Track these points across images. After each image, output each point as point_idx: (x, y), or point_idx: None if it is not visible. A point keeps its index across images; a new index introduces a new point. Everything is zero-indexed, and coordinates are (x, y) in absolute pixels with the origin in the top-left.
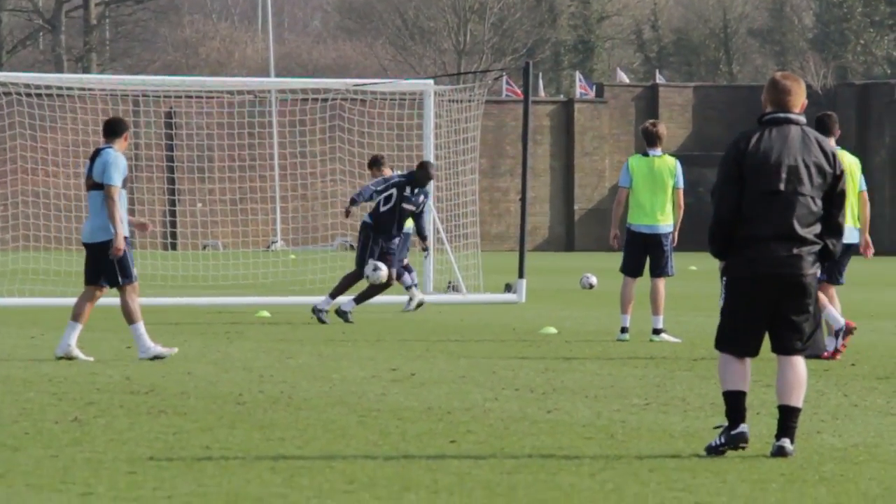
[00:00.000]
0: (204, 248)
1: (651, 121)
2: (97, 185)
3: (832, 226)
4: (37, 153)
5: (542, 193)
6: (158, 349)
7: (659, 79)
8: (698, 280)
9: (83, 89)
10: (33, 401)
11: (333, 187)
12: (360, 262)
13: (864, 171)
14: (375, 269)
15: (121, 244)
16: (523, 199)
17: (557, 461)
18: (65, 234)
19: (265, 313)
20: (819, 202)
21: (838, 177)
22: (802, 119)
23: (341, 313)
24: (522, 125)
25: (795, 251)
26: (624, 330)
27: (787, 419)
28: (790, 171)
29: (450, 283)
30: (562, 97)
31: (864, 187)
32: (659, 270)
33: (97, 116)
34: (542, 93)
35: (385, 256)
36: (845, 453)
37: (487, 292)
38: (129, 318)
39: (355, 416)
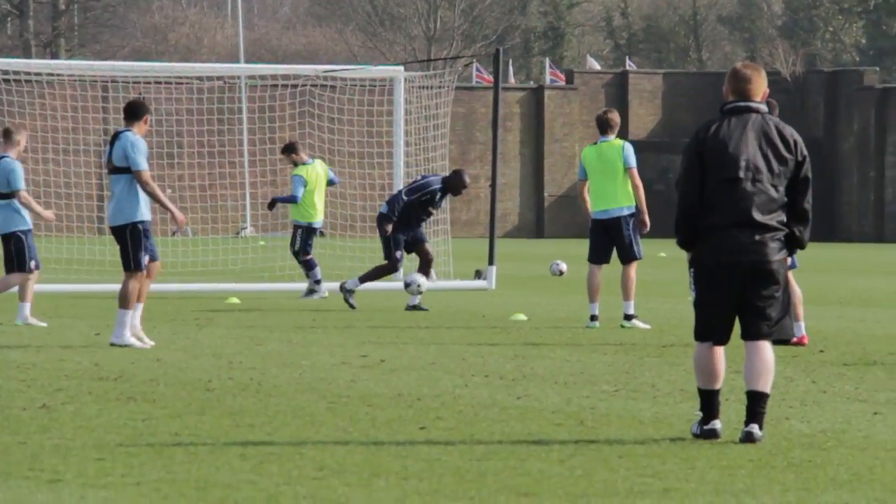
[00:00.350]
0: (173, 234)
1: (604, 108)
2: (117, 169)
3: (798, 212)
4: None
5: (511, 180)
6: (133, 341)
7: (629, 65)
8: (668, 266)
9: (52, 75)
10: (1, 388)
11: None
12: (389, 255)
13: (832, 157)
14: (418, 285)
15: (181, 217)
16: (493, 186)
17: (527, 447)
18: (35, 220)
19: (235, 300)
20: (781, 189)
21: (800, 163)
22: (763, 107)
23: (345, 289)
24: (492, 112)
25: (758, 238)
26: (593, 318)
27: (756, 405)
28: (748, 159)
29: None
30: (532, 84)
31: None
32: (624, 255)
33: (66, 102)
34: (512, 79)
35: (416, 245)
36: (813, 439)
37: (457, 279)
38: (121, 303)
39: (325, 403)
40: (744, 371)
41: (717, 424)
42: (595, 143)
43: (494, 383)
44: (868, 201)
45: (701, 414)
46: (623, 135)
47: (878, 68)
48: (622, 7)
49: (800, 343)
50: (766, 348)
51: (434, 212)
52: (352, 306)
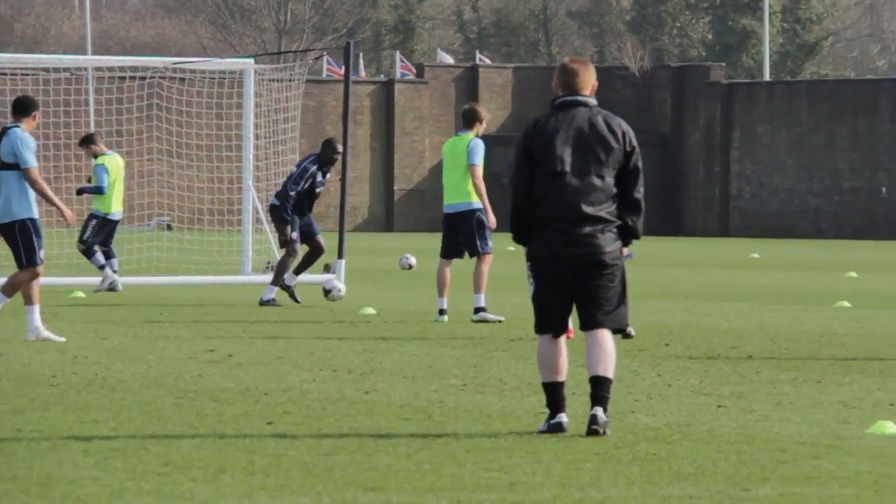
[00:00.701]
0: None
1: (471, 103)
2: (6, 165)
3: (628, 202)
4: None
5: (362, 173)
6: (47, 334)
7: (479, 59)
8: (517, 260)
9: None
10: None
11: (150, 166)
12: (284, 243)
13: (678, 152)
14: (339, 290)
15: (69, 214)
16: (343, 179)
17: (374, 442)
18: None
19: (80, 294)
20: (610, 181)
21: (629, 153)
22: (592, 101)
23: (286, 287)
24: (343, 105)
25: (588, 230)
26: (441, 312)
27: (598, 389)
28: (574, 153)
29: (268, 263)
30: (382, 77)
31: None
32: (471, 249)
33: None
34: (362, 73)
35: (307, 229)
36: (658, 433)
37: (307, 273)
38: (25, 300)
39: (171, 398)
40: (585, 361)
41: (563, 418)
42: (453, 136)
43: (342, 378)
44: (714, 196)
45: (548, 410)
46: None
47: (724, 64)
48: (473, 1)
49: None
50: (605, 335)
51: (320, 190)
52: (296, 300)
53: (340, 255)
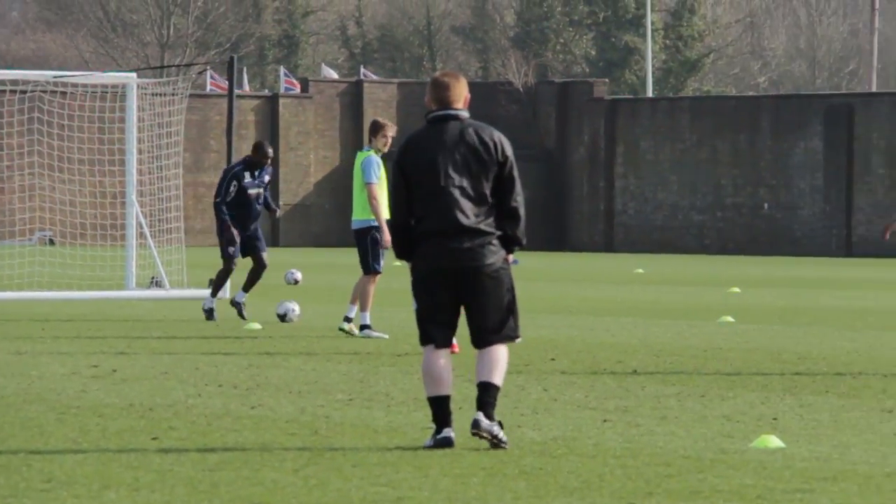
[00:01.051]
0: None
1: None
2: None
3: (506, 212)
4: None
5: None
6: None
7: (363, 74)
8: (403, 276)
9: None
10: None
11: (32, 180)
12: (224, 255)
13: (563, 167)
14: (294, 311)
15: None
16: None
17: (260, 457)
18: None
19: None
20: (486, 193)
21: (503, 164)
22: (465, 113)
23: (235, 304)
24: (227, 120)
25: (467, 244)
26: (347, 319)
27: (483, 394)
28: (447, 166)
29: (153, 278)
30: (267, 92)
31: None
32: (363, 266)
33: None
34: (246, 87)
35: (252, 243)
36: (545, 447)
37: (191, 288)
38: None
39: (54, 414)
40: (475, 372)
41: (449, 433)
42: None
43: (228, 393)
44: (598, 211)
45: (434, 425)
46: (358, 144)
47: (607, 80)
48: (357, 16)
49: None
50: (496, 348)
51: (257, 192)
52: (242, 317)
53: None
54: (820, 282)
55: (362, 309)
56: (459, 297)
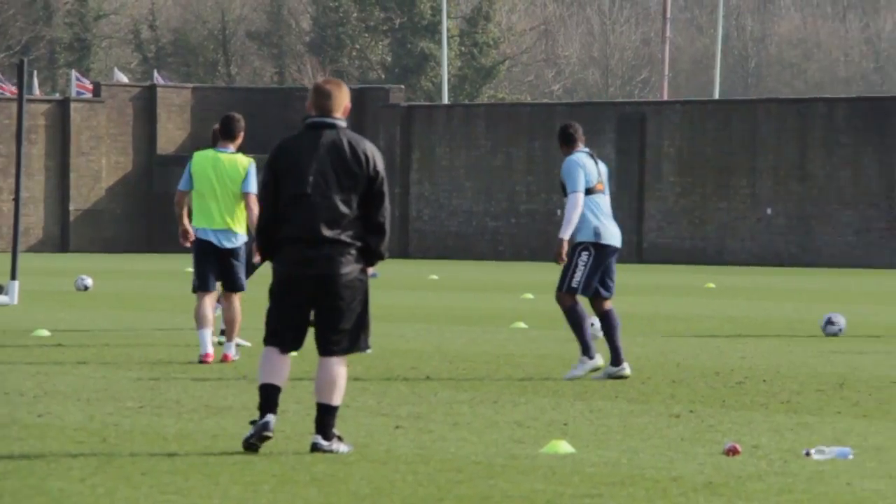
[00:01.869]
0: None
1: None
2: None
3: (371, 226)
4: None
5: (36, 193)
6: None
7: (157, 79)
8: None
9: None
10: None
11: None
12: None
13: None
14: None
15: None
16: (17, 199)
17: (47, 466)
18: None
19: None
20: (353, 204)
21: (373, 178)
22: (342, 122)
23: None
24: (17, 124)
25: (326, 252)
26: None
27: (323, 416)
28: (316, 174)
29: None
30: (58, 96)
31: (250, 190)
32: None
33: None
34: (37, 91)
35: None
36: (336, 454)
37: None
38: None
39: None
40: (315, 383)
41: (269, 417)
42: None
43: (14, 401)
44: (394, 218)
45: (255, 421)
46: (151, 149)
47: (403, 86)
48: (150, 20)
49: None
50: (334, 363)
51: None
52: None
53: (14, 276)
54: None
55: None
56: (312, 305)
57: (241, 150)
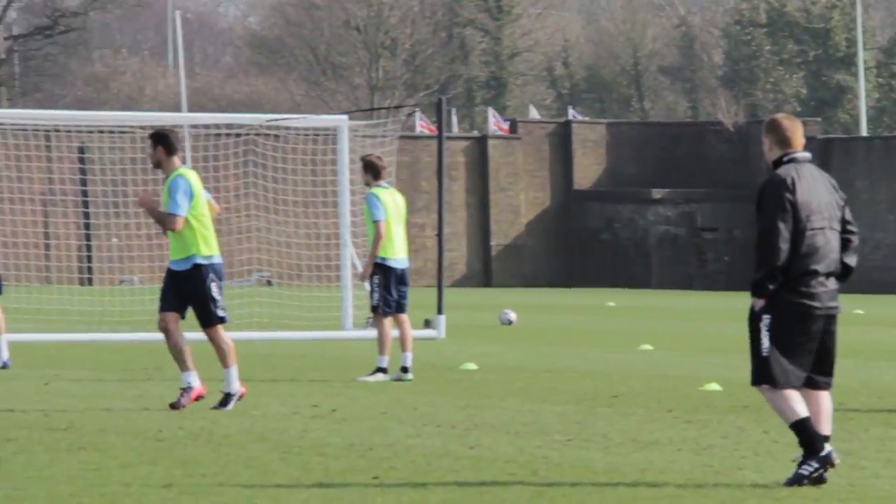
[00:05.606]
0: (120, 283)
1: (371, 153)
2: None
3: (852, 248)
4: None
5: (458, 229)
6: None
7: (571, 115)
8: (621, 316)
9: None
10: None
11: (248, 222)
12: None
13: None
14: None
15: None
16: (440, 235)
17: (480, 497)
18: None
19: None
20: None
21: (845, 204)
22: (809, 155)
23: None
24: (437, 161)
25: (835, 285)
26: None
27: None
28: (827, 207)
29: (368, 318)
30: (475, 133)
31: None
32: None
33: (8, 151)
34: (455, 129)
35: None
36: (767, 490)
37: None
38: None
39: (277, 453)
40: (811, 415)
41: (830, 448)
42: (382, 186)
43: (447, 433)
44: None
45: (800, 458)
46: (567, 185)
47: (819, 119)
48: (563, 57)
49: None
50: (828, 397)
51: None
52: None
53: (440, 311)
54: None
55: (384, 353)
56: (821, 339)
57: None
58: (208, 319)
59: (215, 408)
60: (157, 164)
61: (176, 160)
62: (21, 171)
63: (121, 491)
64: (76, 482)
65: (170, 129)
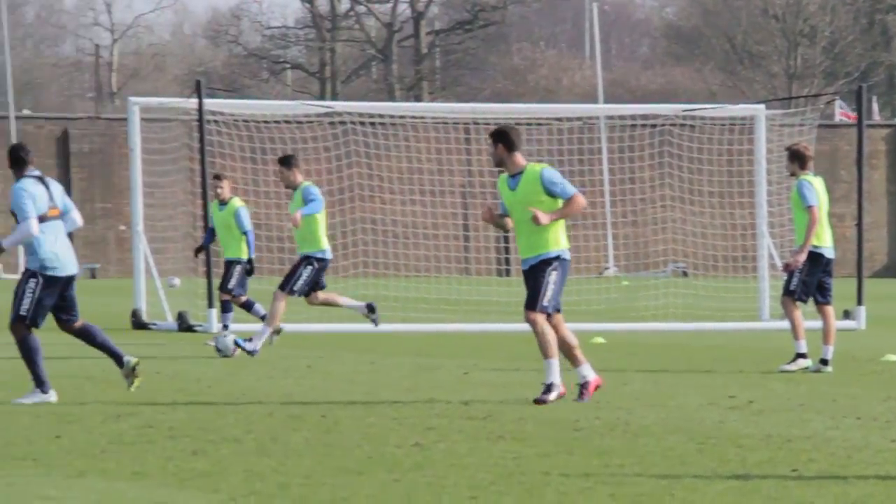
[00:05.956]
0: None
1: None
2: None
3: None
4: (372, 180)
5: (878, 219)
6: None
7: None
8: None
9: (415, 117)
10: (375, 425)
11: (664, 213)
12: None
13: None
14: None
15: None
16: (859, 225)
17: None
18: (402, 261)
19: (600, 339)
20: None
21: None
22: None
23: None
24: (857, 150)
25: None
26: (822, 361)
27: None
28: None
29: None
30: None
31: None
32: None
33: (429, 144)
34: (876, 116)
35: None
36: None
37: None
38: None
39: (693, 444)
40: None
41: None
42: (809, 176)
43: (867, 425)
44: None
45: None
46: None
47: None
48: None
49: None
50: None
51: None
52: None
53: (860, 302)
54: None
55: (799, 337)
56: None
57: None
58: (531, 305)
59: (576, 400)
60: (499, 163)
61: (518, 157)
62: (441, 164)
63: (539, 480)
64: (495, 470)
65: (511, 126)
